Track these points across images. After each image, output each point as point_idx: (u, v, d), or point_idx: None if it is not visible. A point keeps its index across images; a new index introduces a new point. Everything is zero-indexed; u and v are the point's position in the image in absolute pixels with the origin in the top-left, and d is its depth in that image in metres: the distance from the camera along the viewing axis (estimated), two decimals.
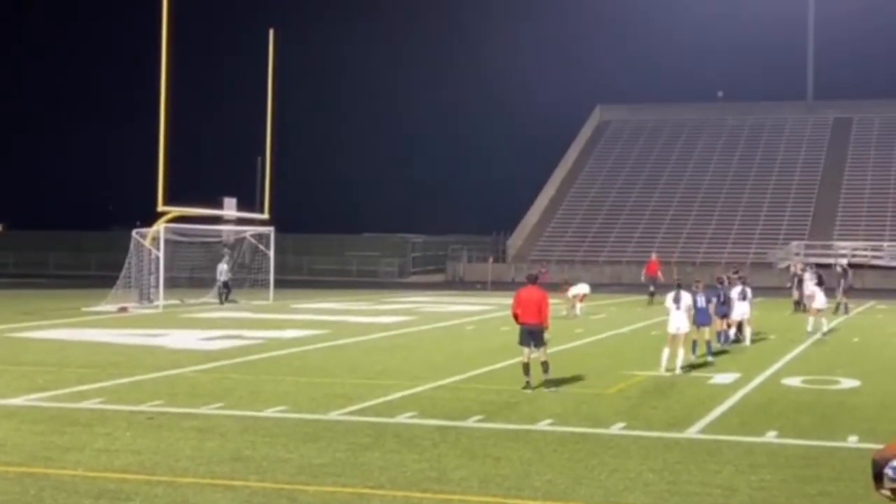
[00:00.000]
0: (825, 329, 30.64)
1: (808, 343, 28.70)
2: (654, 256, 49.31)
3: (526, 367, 19.23)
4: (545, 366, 19.33)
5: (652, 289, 44.86)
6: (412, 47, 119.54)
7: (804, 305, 40.57)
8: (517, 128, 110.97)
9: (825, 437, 14.87)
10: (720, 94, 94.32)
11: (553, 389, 19.11)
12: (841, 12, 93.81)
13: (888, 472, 7.00)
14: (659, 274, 45.95)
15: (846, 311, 39.62)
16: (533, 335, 19.23)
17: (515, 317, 19.56)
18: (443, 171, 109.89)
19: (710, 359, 23.86)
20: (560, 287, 38.71)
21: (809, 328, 30.31)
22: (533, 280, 20.16)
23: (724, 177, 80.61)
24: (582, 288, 37.63)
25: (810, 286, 35.10)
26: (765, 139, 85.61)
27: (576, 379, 20.87)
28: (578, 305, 37.35)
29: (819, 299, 30.94)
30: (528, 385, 19.11)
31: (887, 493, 7.05)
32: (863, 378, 21.24)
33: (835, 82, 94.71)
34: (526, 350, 19.30)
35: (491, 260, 69.18)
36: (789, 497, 11.43)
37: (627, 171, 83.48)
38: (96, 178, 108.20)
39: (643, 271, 48.06)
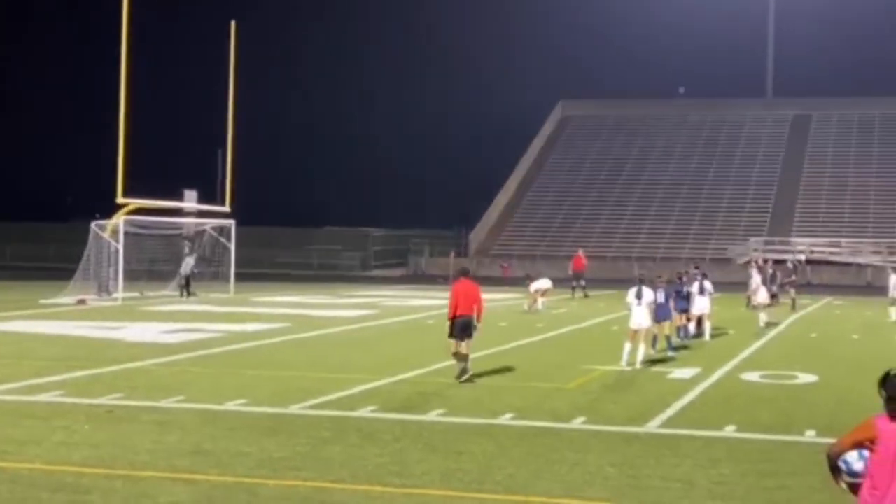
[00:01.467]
0: (763, 322, 31.43)
1: (767, 338, 28.96)
2: (580, 251, 50.81)
3: (459, 356, 19.62)
4: (466, 357, 19.59)
5: (580, 283, 46.80)
6: (375, 41, 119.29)
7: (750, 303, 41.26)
8: (479, 122, 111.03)
9: (783, 431, 14.99)
10: (681, 90, 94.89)
11: (470, 379, 19.33)
12: (801, 9, 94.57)
13: (841, 465, 7.14)
14: (584, 268, 47.78)
15: (793, 306, 40.35)
16: (465, 327, 19.58)
17: (454, 311, 19.73)
18: (405, 164, 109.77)
19: (670, 353, 24.03)
20: (523, 282, 38.85)
21: (761, 323, 30.94)
22: (465, 273, 20.74)
23: (684, 173, 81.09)
24: (543, 283, 37.73)
25: (756, 280, 35.82)
26: (725, 135, 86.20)
27: (537, 373, 20.94)
28: (540, 300, 37.44)
29: (762, 294, 32.00)
30: (465, 374, 19.41)
31: (844, 486, 7.19)
32: (820, 373, 21.44)
33: (794, 80, 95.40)
34: (456, 341, 19.59)
35: (453, 254, 69.22)
36: (748, 491, 11.52)
37: (589, 166, 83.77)
38: (55, 169, 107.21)
39: (570, 266, 49.00)
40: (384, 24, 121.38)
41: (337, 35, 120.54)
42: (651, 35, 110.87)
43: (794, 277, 42.22)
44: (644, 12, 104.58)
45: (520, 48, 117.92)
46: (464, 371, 19.51)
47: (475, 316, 19.67)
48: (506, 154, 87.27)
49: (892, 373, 7.05)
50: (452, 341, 19.73)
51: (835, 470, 7.20)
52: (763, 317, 31.67)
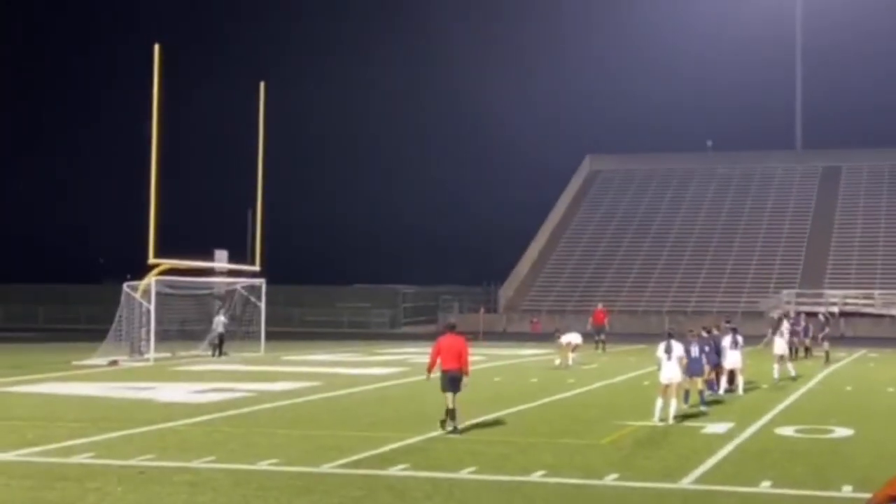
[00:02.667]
0: (778, 376, 30.98)
1: (801, 392, 28.69)
2: (600, 306, 51.09)
3: (449, 412, 20.06)
4: (454, 413, 20.06)
5: (601, 337, 46.75)
6: (401, 98, 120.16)
7: (795, 352, 40.93)
8: (507, 178, 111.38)
9: (819, 486, 14.81)
10: (709, 143, 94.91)
11: (457, 432, 19.83)
12: (828, 60, 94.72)
13: None
14: (606, 322, 47.77)
15: (806, 355, 40.32)
16: (453, 381, 20.07)
17: (432, 364, 20.50)
18: (434, 221, 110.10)
19: (703, 408, 23.81)
20: (553, 336, 38.70)
21: (776, 375, 30.68)
22: (451, 328, 21.23)
23: (714, 226, 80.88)
24: (573, 337, 37.53)
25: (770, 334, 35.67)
26: (754, 188, 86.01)
27: (568, 430, 20.81)
28: (571, 356, 37.22)
29: (778, 345, 31.64)
30: (454, 429, 19.89)
31: None
32: (856, 426, 21.20)
33: (823, 131, 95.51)
34: (450, 395, 20.05)
35: (482, 310, 69.15)
36: None
37: (618, 220, 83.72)
38: (86, 231, 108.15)
39: (590, 320, 48.93)
40: (409, 81, 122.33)
41: (365, 92, 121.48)
42: (678, 89, 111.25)
43: (826, 330, 41.88)
44: (671, 66, 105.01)
45: (547, 103, 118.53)
46: (453, 426, 19.96)
47: (460, 369, 20.15)
48: (534, 209, 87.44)
49: None
50: (449, 395, 20.11)
51: None
52: (776, 368, 31.20)
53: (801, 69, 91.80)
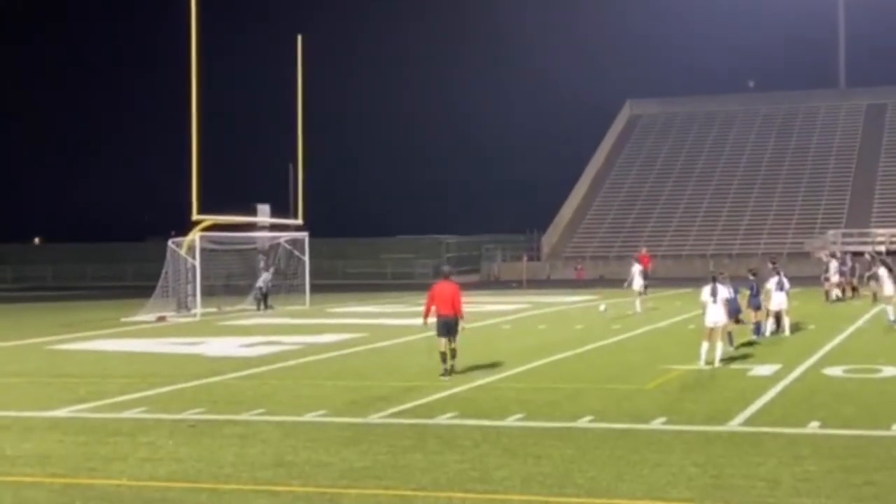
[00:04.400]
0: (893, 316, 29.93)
1: (849, 332, 28.50)
2: (644, 250, 50.38)
3: (444, 356, 20.75)
4: (453, 352, 20.86)
5: (644, 281, 45.65)
6: (441, 49, 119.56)
7: (831, 296, 40.61)
8: (548, 125, 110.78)
9: (869, 426, 14.74)
10: (751, 83, 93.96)
11: (452, 372, 20.63)
12: None
13: None
14: (650, 267, 47.18)
15: (854, 295, 39.99)
16: (448, 326, 20.81)
17: (427, 311, 21.24)
18: (475, 170, 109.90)
19: (755, 338, 24.07)
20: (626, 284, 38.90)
21: (892, 317, 29.69)
22: (446, 276, 21.91)
23: (757, 167, 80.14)
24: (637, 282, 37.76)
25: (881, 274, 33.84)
26: (797, 128, 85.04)
27: (615, 375, 20.83)
28: (638, 301, 37.29)
29: (887, 287, 30.36)
30: (445, 372, 20.54)
31: None
32: None
33: (866, 69, 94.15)
34: (443, 340, 20.80)
35: (525, 258, 69.11)
36: (834, 488, 11.34)
37: (660, 164, 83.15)
38: (131, 189, 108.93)
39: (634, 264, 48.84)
40: (452, 31, 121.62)
41: (404, 44, 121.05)
42: (717, 30, 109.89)
43: (874, 269, 41.42)
44: (710, 7, 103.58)
45: (586, 48, 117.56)
46: (451, 368, 20.73)
47: (455, 314, 20.85)
48: (575, 156, 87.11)
49: None
50: (442, 340, 20.83)
51: None
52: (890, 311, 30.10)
53: (844, 5, 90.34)
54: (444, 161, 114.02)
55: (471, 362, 23.29)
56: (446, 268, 23.65)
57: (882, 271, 31.26)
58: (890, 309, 29.92)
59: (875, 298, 38.90)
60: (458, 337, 21.12)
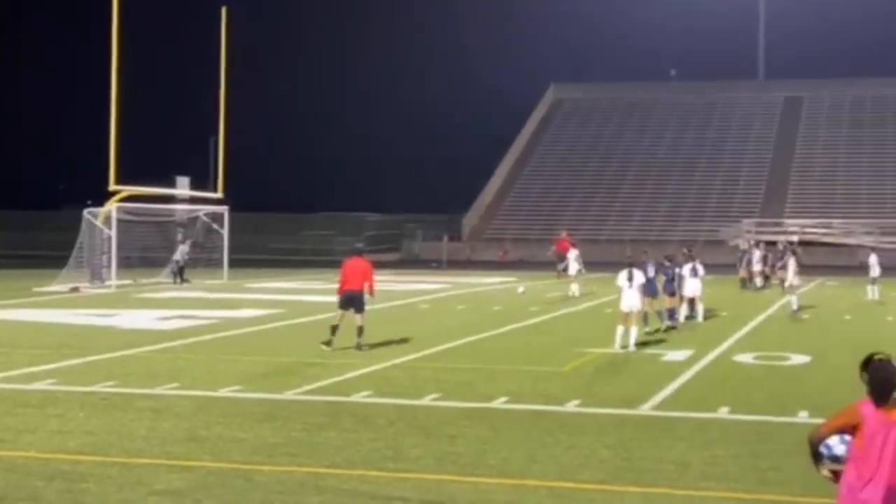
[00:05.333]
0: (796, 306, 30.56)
1: (759, 319, 29.04)
2: (563, 234, 50.74)
3: (334, 329, 21.44)
4: (361, 330, 21.45)
5: (563, 265, 46.17)
6: (366, 26, 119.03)
7: (751, 281, 41.39)
8: (471, 107, 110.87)
9: (776, 412, 15.05)
10: (673, 72, 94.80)
11: (364, 349, 21.17)
12: None
13: (822, 450, 7.08)
14: (567, 251, 47.28)
15: (765, 283, 41.05)
16: (353, 301, 21.60)
17: (341, 285, 21.93)
18: (398, 149, 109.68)
19: (664, 325, 24.38)
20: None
21: (795, 306, 30.26)
22: (358, 252, 22.77)
23: (676, 155, 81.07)
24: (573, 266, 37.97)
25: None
26: (717, 118, 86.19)
27: (531, 357, 20.99)
28: (575, 286, 37.38)
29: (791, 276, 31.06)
30: (330, 343, 21.23)
31: (827, 473, 7.11)
32: (813, 354, 21.52)
33: (786, 61, 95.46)
34: (341, 313, 21.69)
35: (446, 238, 69.22)
36: (741, 472, 11.57)
37: (581, 149, 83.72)
38: (47, 156, 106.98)
39: (553, 248, 49.42)
40: (376, 8, 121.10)
41: (329, 19, 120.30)
42: (642, 18, 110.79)
43: (785, 258, 42.25)
44: None
45: (511, 31, 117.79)
46: (360, 344, 21.34)
47: (362, 290, 21.60)
48: (498, 138, 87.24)
49: (875, 357, 6.95)
50: (339, 312, 21.71)
51: (816, 455, 7.12)
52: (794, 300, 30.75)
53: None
54: (367, 139, 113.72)
55: (388, 341, 23.33)
56: (359, 244, 24.40)
57: (791, 261, 31.90)
58: (794, 299, 30.56)
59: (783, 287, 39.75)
60: (364, 314, 21.61)
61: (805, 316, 30.19)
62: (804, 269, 32.32)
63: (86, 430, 13.60)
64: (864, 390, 7.00)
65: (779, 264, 41.12)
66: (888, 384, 6.86)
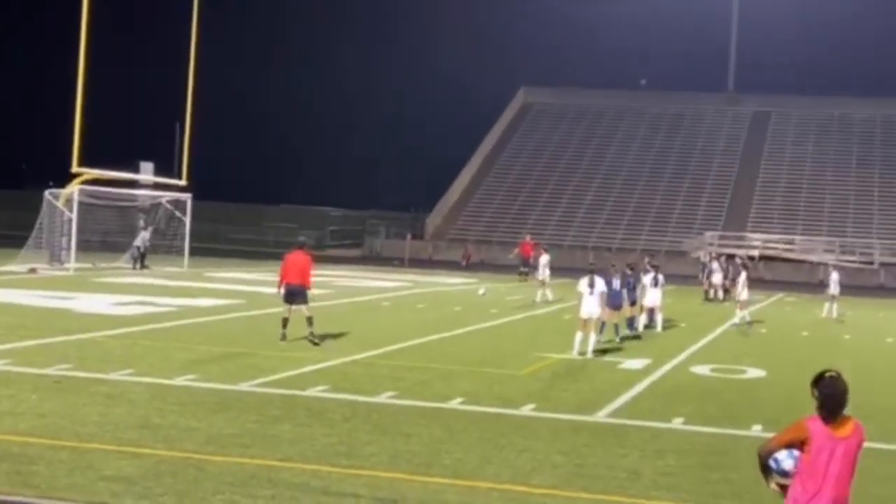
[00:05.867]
0: (738, 320, 31.00)
1: (718, 332, 29.21)
2: (527, 238, 50.91)
3: (284, 322, 21.79)
4: (309, 321, 21.76)
5: (524, 269, 47.14)
6: (337, 22, 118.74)
7: (715, 294, 41.64)
8: (441, 107, 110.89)
9: (730, 425, 15.13)
10: (643, 81, 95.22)
11: (316, 341, 21.50)
12: (764, 4, 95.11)
13: (771, 464, 7.16)
14: (532, 255, 47.30)
15: (725, 297, 41.23)
16: (295, 294, 21.94)
17: (281, 279, 22.18)
18: (363, 146, 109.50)
19: (618, 341, 24.18)
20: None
21: (737, 320, 30.62)
22: (300, 245, 23.14)
23: (643, 164, 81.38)
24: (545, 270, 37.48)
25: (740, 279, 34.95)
26: (685, 129, 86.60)
27: (489, 359, 21.00)
28: (542, 291, 36.84)
29: (742, 290, 31.45)
30: (283, 337, 21.54)
31: (776, 487, 7.19)
32: (769, 368, 21.65)
33: (756, 75, 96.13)
34: (287, 306, 21.87)
35: (409, 237, 69.17)
36: (693, 483, 11.62)
37: (549, 153, 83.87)
38: (10, 135, 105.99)
39: (516, 251, 50.23)
40: (348, 6, 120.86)
41: (298, 13, 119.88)
42: (615, 25, 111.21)
43: (742, 273, 42.64)
44: (609, 2, 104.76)
45: (483, 33, 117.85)
46: (311, 336, 21.62)
47: (302, 284, 21.91)
48: (466, 138, 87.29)
49: (827, 374, 7.04)
50: (286, 307, 21.92)
51: (765, 469, 7.22)
52: (743, 314, 31.12)
53: (738, 12, 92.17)
54: (334, 134, 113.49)
55: (346, 337, 23.28)
56: (301, 238, 24.78)
57: (742, 276, 32.28)
58: (739, 313, 30.95)
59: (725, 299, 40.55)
60: (308, 306, 21.95)
61: (761, 329, 30.39)
62: (764, 284, 32.72)
63: (38, 412, 13.48)
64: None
65: (739, 278, 41.56)
66: (837, 401, 6.96)
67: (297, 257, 22.28)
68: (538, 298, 36.39)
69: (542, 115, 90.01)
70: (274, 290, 23.22)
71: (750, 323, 30.78)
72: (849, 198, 74.82)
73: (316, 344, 21.38)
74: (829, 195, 75.38)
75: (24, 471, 10.64)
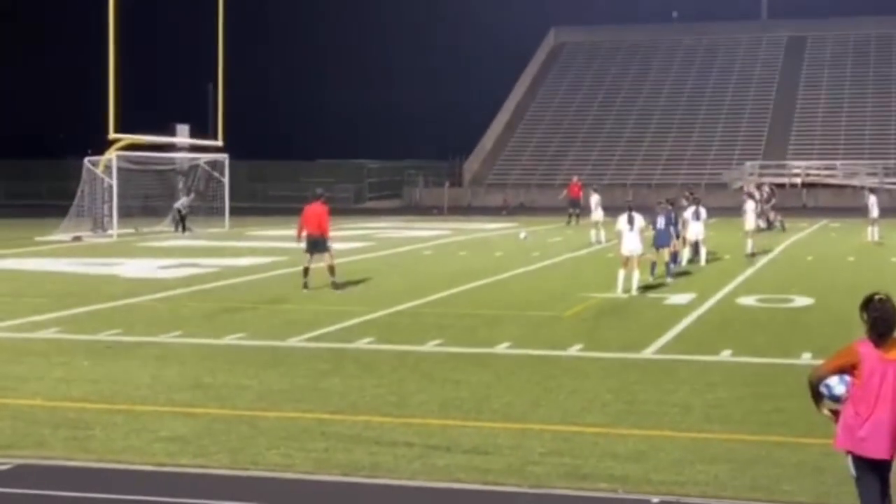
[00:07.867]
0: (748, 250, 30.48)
1: (763, 262, 29.02)
2: (575, 179, 50.33)
3: (306, 271, 22.60)
4: (331, 269, 22.64)
5: (576, 210, 46.66)
6: None
7: (759, 224, 41.39)
8: (472, 51, 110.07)
9: (779, 354, 15.08)
10: (675, 14, 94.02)
11: (339, 290, 22.26)
12: None
13: (822, 390, 7.12)
14: (581, 196, 46.81)
15: (783, 227, 41.20)
16: (315, 244, 22.63)
17: (300, 230, 22.92)
18: (398, 95, 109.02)
19: (669, 280, 24.05)
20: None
21: (748, 250, 30.22)
22: (318, 197, 23.38)
23: (679, 98, 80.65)
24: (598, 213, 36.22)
25: (747, 207, 34.34)
26: (719, 59, 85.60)
27: (533, 302, 21.01)
28: (596, 233, 35.58)
29: (748, 221, 31.01)
30: (305, 286, 22.32)
31: (828, 413, 7.15)
32: (816, 296, 21.52)
33: (788, 0, 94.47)
34: (308, 256, 22.66)
35: (447, 184, 69.09)
36: (744, 414, 11.61)
37: (583, 93, 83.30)
38: (47, 105, 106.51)
39: (565, 192, 49.80)
40: None
41: None
42: None
43: (773, 201, 42.58)
44: None
45: None
46: (334, 283, 22.42)
47: (321, 234, 22.53)
48: (499, 82, 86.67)
49: (876, 297, 6.97)
50: (307, 256, 22.66)
51: (816, 396, 7.18)
52: (749, 244, 30.76)
53: None
54: (367, 85, 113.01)
55: (390, 287, 23.36)
56: (319, 190, 24.76)
57: (748, 205, 31.75)
58: (749, 242, 30.45)
59: (783, 229, 40.31)
60: (329, 254, 22.67)
61: (807, 257, 30.17)
62: (808, 211, 32.30)
63: (91, 378, 13.65)
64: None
65: (769, 206, 41.54)
66: (887, 324, 6.90)
67: (315, 208, 22.87)
68: (592, 239, 35.26)
69: (574, 55, 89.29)
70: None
71: (753, 254, 30.20)
72: (890, 120, 73.81)
73: (338, 288, 22.25)
74: (869, 118, 74.40)
75: (81, 436, 10.79)
